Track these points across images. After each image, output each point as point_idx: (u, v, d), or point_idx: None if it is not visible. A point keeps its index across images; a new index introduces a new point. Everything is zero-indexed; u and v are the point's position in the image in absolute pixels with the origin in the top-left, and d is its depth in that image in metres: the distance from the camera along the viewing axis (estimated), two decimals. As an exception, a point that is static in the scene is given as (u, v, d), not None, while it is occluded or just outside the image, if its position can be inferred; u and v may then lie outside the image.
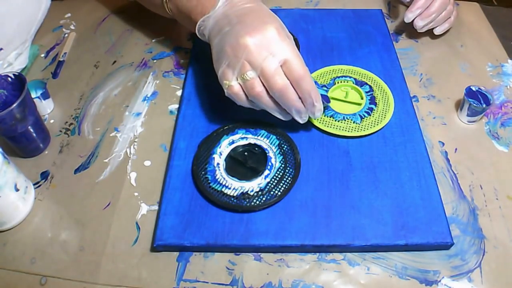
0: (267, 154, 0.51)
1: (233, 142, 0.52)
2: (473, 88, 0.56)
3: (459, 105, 0.58)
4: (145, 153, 0.54)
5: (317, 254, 0.46)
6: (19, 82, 0.51)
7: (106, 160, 0.54)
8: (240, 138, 0.53)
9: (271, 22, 0.47)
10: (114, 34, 0.71)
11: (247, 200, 0.47)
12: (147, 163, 0.54)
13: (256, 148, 0.52)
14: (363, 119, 0.55)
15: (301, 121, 0.50)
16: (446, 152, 0.54)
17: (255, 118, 0.54)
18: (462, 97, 0.56)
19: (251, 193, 0.47)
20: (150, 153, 0.54)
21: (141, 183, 0.52)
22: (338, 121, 0.54)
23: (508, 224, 0.48)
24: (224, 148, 0.52)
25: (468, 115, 0.56)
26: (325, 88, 0.57)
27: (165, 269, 0.45)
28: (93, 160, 0.54)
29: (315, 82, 0.49)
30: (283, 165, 0.50)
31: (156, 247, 0.45)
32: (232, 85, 0.47)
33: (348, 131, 0.53)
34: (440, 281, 0.44)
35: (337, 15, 0.71)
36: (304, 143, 0.53)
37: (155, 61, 0.66)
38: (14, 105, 0.48)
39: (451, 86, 0.62)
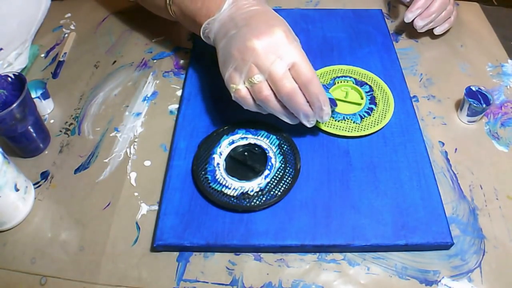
0: (267, 154, 0.51)
1: (233, 142, 0.52)
2: (473, 88, 0.56)
3: (459, 105, 0.58)
4: (145, 153, 0.54)
5: (317, 254, 0.46)
6: (19, 82, 0.51)
7: (106, 160, 0.54)
8: (240, 138, 0.53)
9: (279, 25, 0.46)
10: (114, 34, 0.71)
11: (247, 200, 0.47)
12: (147, 163, 0.54)
13: (256, 148, 0.52)
14: (363, 119, 0.55)
15: (308, 125, 0.49)
16: (446, 152, 0.54)
17: (255, 118, 0.54)
18: (462, 97, 0.56)
19: (251, 193, 0.47)
20: (150, 153, 0.54)
21: (141, 183, 0.52)
22: (338, 121, 0.54)
23: (508, 224, 0.48)
24: (224, 148, 0.52)
25: (468, 115, 0.56)
26: (326, 88, 0.57)
27: (165, 269, 0.45)
28: (93, 160, 0.54)
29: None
30: (283, 165, 0.50)
31: (156, 247, 0.45)
32: (239, 88, 0.47)
33: (348, 131, 0.53)
34: (440, 281, 0.44)
35: (337, 15, 0.71)
36: (304, 143, 0.53)
37: (155, 61, 0.66)
38: (14, 105, 0.48)
39: (451, 86, 0.62)
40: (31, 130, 0.52)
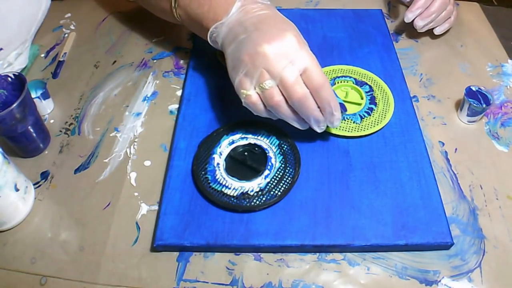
0: (267, 154, 0.51)
1: (233, 142, 0.52)
2: (473, 88, 0.56)
3: (459, 105, 0.58)
4: (145, 153, 0.54)
5: (317, 254, 0.46)
6: (19, 82, 0.51)
7: (106, 160, 0.54)
8: (240, 138, 0.53)
9: (289, 29, 0.46)
10: (114, 34, 0.71)
11: (247, 200, 0.47)
12: (147, 163, 0.54)
13: (256, 148, 0.52)
14: (363, 119, 0.55)
15: (318, 130, 0.49)
16: (446, 152, 0.54)
17: (255, 118, 0.54)
18: (462, 97, 0.56)
19: (251, 193, 0.47)
20: (150, 153, 0.54)
21: (141, 183, 0.52)
22: (338, 121, 0.54)
23: (508, 224, 0.48)
24: (224, 148, 0.52)
25: (468, 115, 0.56)
26: None
27: (165, 269, 0.45)
28: (93, 160, 0.54)
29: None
30: (283, 165, 0.50)
31: (156, 247, 0.45)
32: (250, 94, 0.46)
33: (348, 131, 0.53)
34: (440, 281, 0.44)
35: (337, 15, 0.71)
36: (304, 143, 0.53)
37: (155, 61, 0.66)
38: (14, 105, 0.48)
39: (451, 86, 0.62)
40: (31, 130, 0.52)
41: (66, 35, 0.72)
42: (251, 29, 0.47)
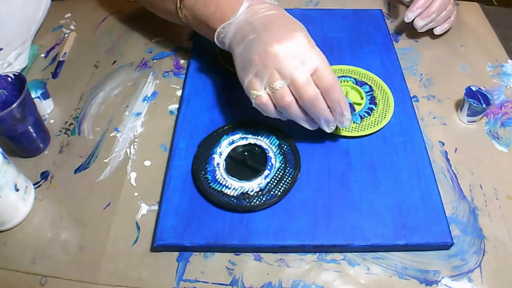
0: (267, 154, 0.51)
1: (233, 142, 0.52)
2: (473, 88, 0.56)
3: (459, 105, 0.58)
4: (145, 153, 0.54)
5: (317, 254, 0.46)
6: (19, 82, 0.51)
7: (106, 160, 0.54)
8: (240, 138, 0.53)
9: (299, 29, 0.46)
10: (114, 34, 0.71)
11: (247, 200, 0.47)
12: (147, 163, 0.54)
13: (256, 148, 0.52)
14: (363, 119, 0.55)
15: (328, 131, 0.49)
16: (446, 152, 0.54)
17: (255, 118, 0.54)
18: (462, 97, 0.56)
19: (251, 193, 0.47)
20: (150, 153, 0.54)
21: (141, 183, 0.52)
22: (338, 121, 0.54)
23: (508, 224, 0.48)
24: (224, 148, 0.52)
25: (468, 115, 0.56)
26: None
27: (165, 269, 0.45)
28: (93, 160, 0.54)
29: None
30: (283, 165, 0.50)
31: (156, 247, 0.45)
32: (260, 95, 0.46)
33: (348, 131, 0.53)
34: (440, 281, 0.44)
35: (337, 15, 0.71)
36: (304, 143, 0.53)
37: (155, 61, 0.66)
38: (14, 105, 0.48)
39: (451, 86, 0.62)
40: (31, 130, 0.52)
41: (66, 35, 0.72)
42: (260, 29, 0.46)
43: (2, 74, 0.51)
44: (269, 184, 0.48)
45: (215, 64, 0.62)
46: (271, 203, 0.47)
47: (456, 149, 0.54)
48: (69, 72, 0.65)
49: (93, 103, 0.61)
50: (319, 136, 0.53)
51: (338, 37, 0.67)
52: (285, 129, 0.53)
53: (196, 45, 0.67)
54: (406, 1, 0.70)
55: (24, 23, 0.64)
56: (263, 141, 0.52)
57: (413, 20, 0.64)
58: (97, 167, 0.53)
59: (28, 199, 0.49)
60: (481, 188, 0.51)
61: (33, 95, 0.56)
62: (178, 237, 0.45)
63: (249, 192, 0.48)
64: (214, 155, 0.51)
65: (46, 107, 0.59)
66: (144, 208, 0.49)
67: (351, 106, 0.49)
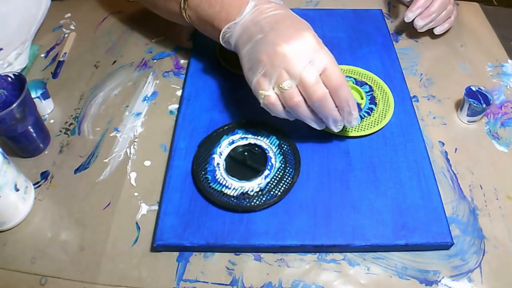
0: (267, 154, 0.51)
1: (233, 142, 0.52)
2: (473, 88, 0.56)
3: (459, 105, 0.58)
4: (145, 153, 0.54)
5: (317, 254, 0.46)
6: (19, 82, 0.51)
7: (106, 160, 0.54)
8: (240, 138, 0.53)
9: (307, 29, 0.46)
10: (114, 34, 0.71)
11: (247, 200, 0.47)
12: (147, 163, 0.54)
13: (256, 148, 0.52)
14: (363, 119, 0.55)
15: (336, 130, 0.49)
16: (446, 152, 0.54)
17: (255, 118, 0.54)
18: (462, 97, 0.56)
19: (251, 193, 0.47)
20: (150, 153, 0.54)
21: (141, 183, 0.52)
22: (338, 121, 0.54)
23: (508, 224, 0.48)
24: (224, 148, 0.52)
25: (468, 115, 0.56)
26: None
27: (165, 269, 0.45)
28: (93, 160, 0.54)
29: None
30: (283, 165, 0.50)
31: (156, 247, 0.45)
32: (269, 95, 0.46)
33: (348, 131, 0.53)
34: (440, 281, 0.44)
35: (337, 15, 0.71)
36: (304, 143, 0.53)
37: (155, 61, 0.66)
38: (14, 105, 0.48)
39: (451, 86, 0.62)
40: (31, 130, 0.52)
41: (66, 35, 0.72)
42: (267, 29, 0.46)
43: (2, 74, 0.51)
44: (269, 184, 0.48)
45: (215, 64, 0.63)
46: (271, 203, 0.47)
47: (456, 149, 0.54)
48: (69, 72, 0.65)
49: (93, 103, 0.61)
50: (319, 136, 0.53)
51: (338, 37, 0.67)
52: (285, 129, 0.53)
53: (196, 45, 0.67)
54: (406, 1, 0.70)
55: (24, 23, 0.63)
56: (263, 141, 0.52)
57: (413, 20, 0.64)
58: (97, 167, 0.53)
59: (28, 199, 0.49)
60: (481, 188, 0.51)
61: (33, 95, 0.56)
62: (178, 237, 0.45)
63: (249, 192, 0.48)
64: (214, 155, 0.51)
65: (46, 107, 0.59)
66: (144, 208, 0.49)
67: (358, 105, 0.49)
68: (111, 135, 0.57)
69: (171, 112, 0.59)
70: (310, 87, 0.44)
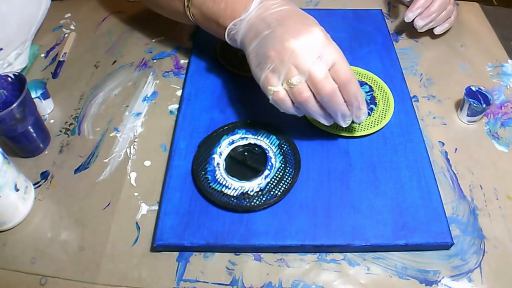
0: (267, 154, 0.51)
1: (233, 142, 0.52)
2: (473, 88, 0.56)
3: (459, 105, 0.58)
4: (145, 153, 0.54)
5: (317, 254, 0.46)
6: (19, 82, 0.51)
7: (106, 160, 0.54)
8: (240, 138, 0.53)
9: (314, 24, 0.45)
10: (114, 34, 0.71)
11: (247, 200, 0.47)
12: (147, 163, 0.54)
13: (256, 148, 0.52)
14: (363, 119, 0.55)
15: (344, 125, 0.49)
16: (446, 152, 0.54)
17: (255, 118, 0.54)
18: (462, 97, 0.56)
19: (251, 193, 0.47)
20: (150, 153, 0.54)
21: (141, 183, 0.52)
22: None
23: (508, 224, 0.48)
24: (224, 148, 0.52)
25: (468, 115, 0.56)
26: None
27: (165, 269, 0.45)
28: (93, 160, 0.54)
29: None
30: (283, 165, 0.50)
31: (156, 247, 0.45)
32: (278, 91, 0.45)
33: (348, 131, 0.53)
34: (440, 281, 0.44)
35: (337, 15, 0.71)
36: (304, 143, 0.53)
37: (155, 61, 0.66)
38: (14, 105, 0.48)
39: (451, 86, 0.62)
40: (31, 130, 0.52)
41: (66, 35, 0.72)
42: (274, 25, 0.46)
43: (2, 74, 0.51)
44: (269, 184, 0.48)
45: (215, 64, 0.63)
46: (271, 203, 0.47)
47: (456, 149, 0.54)
48: (69, 72, 0.65)
49: (93, 103, 0.61)
50: (319, 136, 0.53)
51: (338, 37, 0.66)
52: (285, 129, 0.53)
53: (196, 45, 0.67)
54: (406, 1, 0.70)
55: (24, 23, 0.64)
56: (263, 141, 0.52)
57: (413, 20, 0.64)
58: (97, 167, 0.53)
59: (28, 199, 0.49)
60: (481, 188, 0.51)
61: (33, 95, 0.56)
62: (178, 237, 0.45)
63: (249, 192, 0.48)
64: (214, 155, 0.51)
65: (46, 107, 0.59)
66: (144, 208, 0.49)
67: (366, 101, 0.49)
68: (111, 135, 0.57)
69: (171, 112, 0.59)
70: (319, 82, 0.44)
